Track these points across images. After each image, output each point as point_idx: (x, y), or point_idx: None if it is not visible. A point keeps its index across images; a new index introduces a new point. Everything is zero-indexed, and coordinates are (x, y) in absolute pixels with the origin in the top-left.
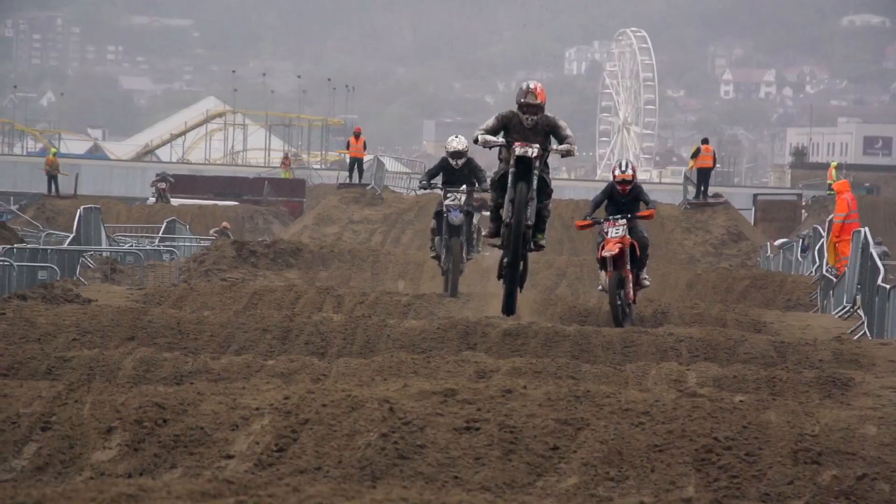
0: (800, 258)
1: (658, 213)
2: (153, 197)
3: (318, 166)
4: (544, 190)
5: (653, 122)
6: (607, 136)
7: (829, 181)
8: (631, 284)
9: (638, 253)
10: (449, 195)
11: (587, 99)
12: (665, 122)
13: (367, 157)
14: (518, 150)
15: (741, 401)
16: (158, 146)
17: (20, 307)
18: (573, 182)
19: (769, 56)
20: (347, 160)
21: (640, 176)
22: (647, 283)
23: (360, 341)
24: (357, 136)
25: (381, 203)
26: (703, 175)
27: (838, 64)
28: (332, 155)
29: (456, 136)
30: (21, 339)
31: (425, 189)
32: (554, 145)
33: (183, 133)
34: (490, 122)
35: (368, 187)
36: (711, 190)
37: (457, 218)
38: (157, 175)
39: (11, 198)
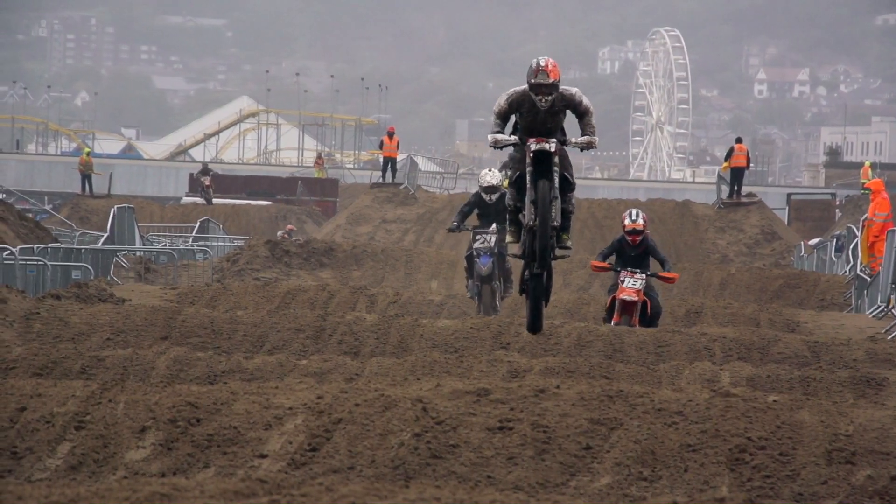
0: (834, 258)
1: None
2: (193, 195)
3: (351, 166)
4: (566, 186)
5: (686, 122)
6: (640, 136)
7: (863, 180)
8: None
9: (649, 312)
10: (478, 237)
11: (620, 98)
12: (698, 122)
13: (400, 157)
14: (534, 145)
15: (775, 400)
16: (192, 146)
17: (54, 306)
18: (606, 182)
19: (803, 55)
20: (381, 160)
21: (675, 175)
22: None
23: (394, 341)
24: (391, 135)
25: (415, 202)
26: (737, 174)
27: (872, 63)
28: (365, 154)
29: (489, 170)
30: (55, 338)
31: (454, 232)
32: (573, 138)
33: (216, 133)
34: (502, 103)
35: (401, 187)
36: (745, 189)
37: (485, 266)
38: (198, 171)
39: (46, 197)
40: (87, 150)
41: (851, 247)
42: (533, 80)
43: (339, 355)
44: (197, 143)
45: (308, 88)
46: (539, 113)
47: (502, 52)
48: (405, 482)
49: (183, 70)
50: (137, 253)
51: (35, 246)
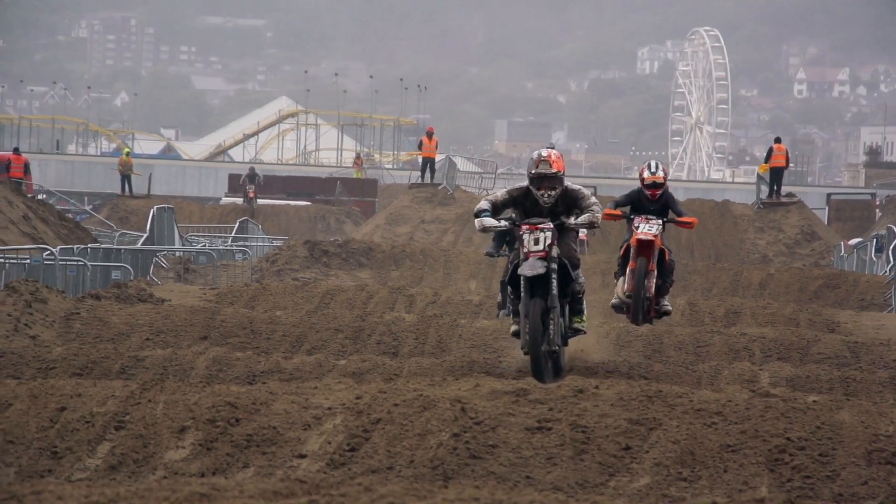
0: (874, 258)
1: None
2: (233, 196)
3: (390, 166)
4: (571, 268)
5: (725, 122)
6: (680, 136)
7: None
8: (653, 282)
9: (667, 260)
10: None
11: (660, 98)
12: (738, 122)
13: (439, 157)
14: (526, 269)
15: (814, 401)
16: (231, 146)
17: (94, 307)
18: None
19: (843, 55)
20: (420, 160)
21: (714, 175)
22: (668, 307)
23: (432, 341)
24: (430, 135)
25: (453, 203)
26: (776, 174)
27: None
28: (404, 155)
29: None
30: (95, 338)
31: (493, 257)
32: (572, 218)
33: (255, 133)
34: (499, 196)
35: (440, 187)
36: (784, 189)
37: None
38: (244, 175)
39: (86, 198)
40: (126, 150)
41: (892, 247)
42: (534, 171)
43: (377, 355)
44: (236, 144)
45: (347, 89)
46: (541, 209)
47: (541, 52)
48: (444, 482)
49: (222, 70)
50: (177, 253)
51: (75, 246)
